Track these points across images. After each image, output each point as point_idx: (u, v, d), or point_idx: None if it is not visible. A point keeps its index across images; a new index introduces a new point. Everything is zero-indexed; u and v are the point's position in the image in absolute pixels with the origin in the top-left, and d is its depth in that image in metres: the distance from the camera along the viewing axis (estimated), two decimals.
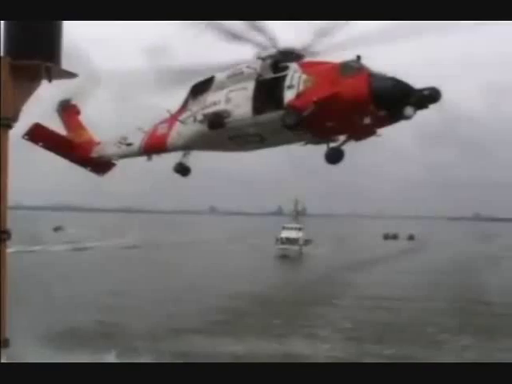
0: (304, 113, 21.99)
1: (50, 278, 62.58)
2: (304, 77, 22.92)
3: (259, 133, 24.59)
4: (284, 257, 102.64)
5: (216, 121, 24.39)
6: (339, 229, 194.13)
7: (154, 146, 27.59)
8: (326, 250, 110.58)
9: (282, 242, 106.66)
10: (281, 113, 22.81)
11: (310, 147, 23.25)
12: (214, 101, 24.90)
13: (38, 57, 9.86)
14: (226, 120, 24.40)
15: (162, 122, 27.32)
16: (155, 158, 26.97)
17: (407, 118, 20.83)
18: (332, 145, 23.31)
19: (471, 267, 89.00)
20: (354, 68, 22.09)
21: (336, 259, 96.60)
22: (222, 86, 25.30)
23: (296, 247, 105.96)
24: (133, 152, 28.38)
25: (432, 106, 20.58)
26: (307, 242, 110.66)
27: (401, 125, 20.70)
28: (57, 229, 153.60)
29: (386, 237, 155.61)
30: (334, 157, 23.49)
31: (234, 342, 41.29)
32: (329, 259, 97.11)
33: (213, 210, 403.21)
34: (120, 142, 28.86)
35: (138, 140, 28.02)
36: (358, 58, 22.03)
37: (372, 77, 21.61)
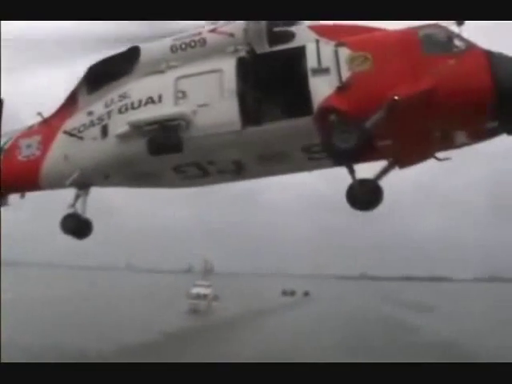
0: (367, 123, 12.49)
1: None
2: (347, 52, 13.16)
3: (240, 159, 14.32)
4: (195, 310, 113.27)
5: (165, 139, 13.31)
6: (243, 285, 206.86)
7: (11, 183, 15.99)
8: (232, 304, 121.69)
9: (193, 298, 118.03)
10: (306, 122, 13.19)
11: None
12: (150, 96, 14.09)
13: None
14: (185, 135, 13.65)
15: (25, 135, 16.30)
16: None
17: None
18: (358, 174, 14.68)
19: (357, 316, 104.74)
20: (451, 39, 12.89)
21: (240, 311, 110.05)
22: (159, 67, 14.50)
23: (205, 302, 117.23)
24: None
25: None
26: (215, 297, 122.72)
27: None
28: None
29: (285, 293, 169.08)
30: (365, 197, 14.74)
31: None
32: (234, 311, 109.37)
33: (129, 267, 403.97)
34: None
35: None
36: (460, 23, 12.65)
37: (493, 57, 12.61)
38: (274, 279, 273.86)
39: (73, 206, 16.30)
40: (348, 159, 13.93)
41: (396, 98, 12.46)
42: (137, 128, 14.18)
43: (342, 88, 13.01)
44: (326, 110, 13.01)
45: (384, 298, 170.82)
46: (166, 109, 14.20)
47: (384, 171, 15.20)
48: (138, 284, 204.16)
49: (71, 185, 15.96)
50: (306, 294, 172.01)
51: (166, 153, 13.97)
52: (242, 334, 74.50)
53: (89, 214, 16.41)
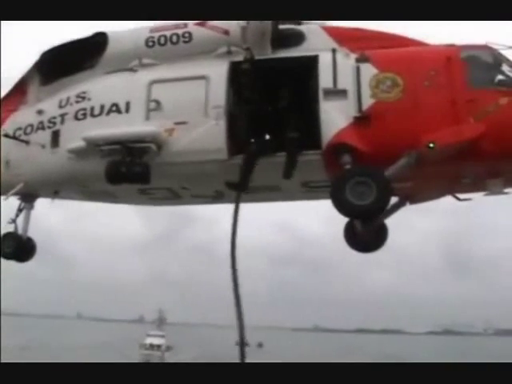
0: (389, 171, 10.05)
1: None
2: (372, 71, 10.61)
3: (223, 189, 11.87)
4: (148, 361, 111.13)
5: (128, 166, 10.89)
6: (197, 336, 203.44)
7: None
8: (185, 355, 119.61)
9: (146, 348, 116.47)
10: (312, 158, 10.69)
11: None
12: (115, 102, 11.49)
13: None
14: (155, 162, 11.15)
15: None
16: None
17: None
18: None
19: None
20: (501, 66, 10.30)
21: (193, 361, 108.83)
22: (129, 64, 11.93)
23: (159, 353, 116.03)
24: None
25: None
26: (168, 348, 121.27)
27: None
28: None
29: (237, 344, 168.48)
30: (367, 238, 12.51)
31: None
32: (187, 362, 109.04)
33: (80, 316, 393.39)
34: None
35: None
36: None
37: None
38: (229, 330, 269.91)
39: (14, 221, 13.16)
40: (362, 218, 11.30)
41: (431, 145, 9.86)
42: (94, 146, 11.47)
43: (361, 119, 10.32)
44: (338, 147, 10.37)
45: (337, 350, 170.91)
46: (134, 125, 11.37)
47: (393, 208, 12.40)
48: (88, 333, 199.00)
49: (13, 196, 13.02)
50: (260, 345, 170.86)
51: (129, 183, 11.37)
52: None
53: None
